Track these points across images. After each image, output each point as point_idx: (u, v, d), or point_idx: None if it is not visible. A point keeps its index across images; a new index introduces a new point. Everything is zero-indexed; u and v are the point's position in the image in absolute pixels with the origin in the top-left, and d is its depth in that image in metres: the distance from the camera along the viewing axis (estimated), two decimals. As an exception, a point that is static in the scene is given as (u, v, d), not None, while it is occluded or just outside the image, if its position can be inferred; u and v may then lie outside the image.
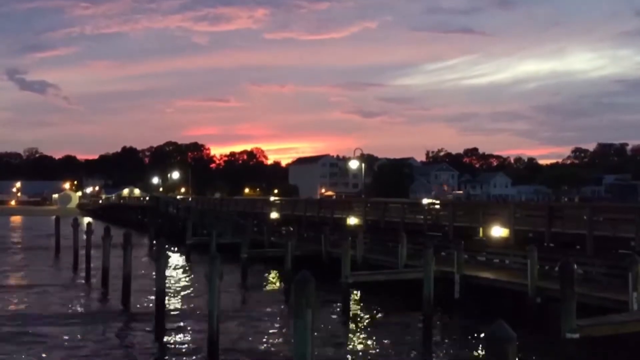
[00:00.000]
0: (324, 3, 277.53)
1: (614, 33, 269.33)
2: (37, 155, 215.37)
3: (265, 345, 16.50)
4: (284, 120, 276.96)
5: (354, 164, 65.57)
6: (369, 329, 18.58)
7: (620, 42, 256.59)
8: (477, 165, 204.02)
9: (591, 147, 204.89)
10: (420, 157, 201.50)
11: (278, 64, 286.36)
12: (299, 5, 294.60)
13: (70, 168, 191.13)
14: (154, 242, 40.51)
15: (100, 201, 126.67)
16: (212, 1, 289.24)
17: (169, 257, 33.32)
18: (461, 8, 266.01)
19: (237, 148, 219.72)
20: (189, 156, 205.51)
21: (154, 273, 20.27)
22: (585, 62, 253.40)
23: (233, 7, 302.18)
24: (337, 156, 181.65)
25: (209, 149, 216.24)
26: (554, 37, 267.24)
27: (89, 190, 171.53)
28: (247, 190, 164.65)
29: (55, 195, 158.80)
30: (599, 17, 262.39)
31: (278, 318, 19.97)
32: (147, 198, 79.25)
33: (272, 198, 61.57)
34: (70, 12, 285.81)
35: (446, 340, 17.32)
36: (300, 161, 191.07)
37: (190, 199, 67.71)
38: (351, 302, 20.87)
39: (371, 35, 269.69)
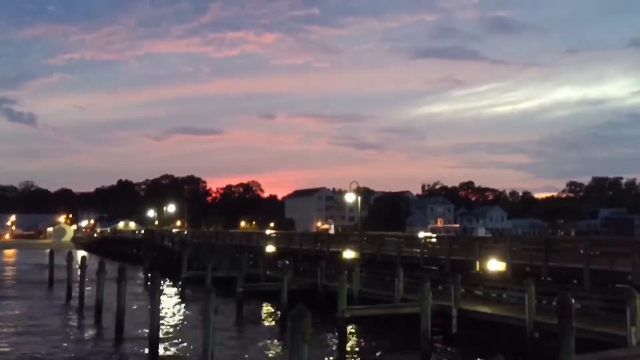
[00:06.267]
0: (334, 29, 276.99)
1: (618, 65, 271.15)
2: (32, 188, 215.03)
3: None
4: (280, 152, 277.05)
5: (350, 198, 65.36)
6: (365, 364, 18.34)
7: (619, 73, 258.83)
8: (473, 199, 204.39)
9: (586, 180, 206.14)
10: (417, 191, 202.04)
11: (273, 94, 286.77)
12: (309, 30, 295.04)
13: (66, 201, 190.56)
14: (149, 275, 40.26)
15: (95, 234, 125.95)
16: (217, 27, 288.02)
17: (163, 291, 33.18)
18: (465, 35, 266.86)
19: (234, 180, 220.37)
20: (185, 189, 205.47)
21: (148, 307, 20.08)
22: (583, 95, 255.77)
23: (238, 32, 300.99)
24: (333, 189, 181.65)
25: (205, 182, 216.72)
26: (556, 70, 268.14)
27: (84, 223, 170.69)
28: (243, 223, 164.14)
29: (50, 229, 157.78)
30: (590, 50, 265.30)
31: (274, 353, 19.70)
32: (142, 231, 78.90)
33: (268, 231, 61.37)
34: (64, 38, 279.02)
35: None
36: (297, 194, 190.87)
37: (185, 232, 67.51)
38: (347, 337, 20.65)
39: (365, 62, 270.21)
